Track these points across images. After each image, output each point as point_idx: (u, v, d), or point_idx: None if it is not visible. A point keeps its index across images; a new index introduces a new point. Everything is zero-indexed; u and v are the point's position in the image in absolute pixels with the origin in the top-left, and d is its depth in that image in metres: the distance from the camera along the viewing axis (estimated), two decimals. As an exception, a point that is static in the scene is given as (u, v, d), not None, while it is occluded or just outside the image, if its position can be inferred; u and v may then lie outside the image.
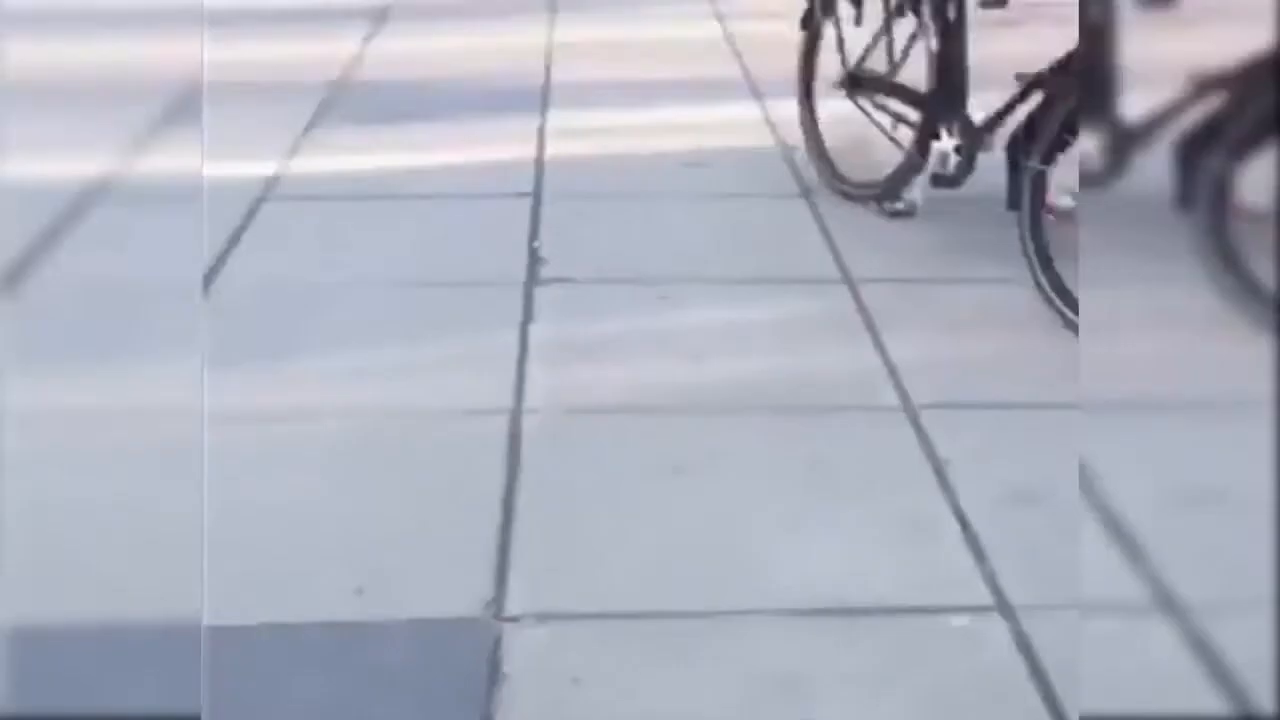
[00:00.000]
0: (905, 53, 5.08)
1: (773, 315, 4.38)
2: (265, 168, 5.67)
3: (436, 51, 7.67)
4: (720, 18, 8.29)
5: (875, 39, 5.18)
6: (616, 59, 7.41)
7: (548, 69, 7.25)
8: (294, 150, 5.95)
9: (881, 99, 5.20)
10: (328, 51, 7.58)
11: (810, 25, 5.46)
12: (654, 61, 7.34)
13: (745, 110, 6.49)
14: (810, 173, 5.50)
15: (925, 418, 3.71)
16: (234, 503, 3.32)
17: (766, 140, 6.03)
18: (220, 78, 6.65)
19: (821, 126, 5.50)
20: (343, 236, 5.03)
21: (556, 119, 6.37)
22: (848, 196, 5.28)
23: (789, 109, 5.68)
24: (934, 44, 4.89)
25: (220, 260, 4.77)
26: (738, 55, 7.46)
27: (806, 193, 5.40)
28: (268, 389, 3.92)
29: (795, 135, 5.65)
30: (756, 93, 6.72)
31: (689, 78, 7.01)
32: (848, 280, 4.62)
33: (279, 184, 5.55)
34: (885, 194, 5.14)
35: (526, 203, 5.33)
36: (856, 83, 5.28)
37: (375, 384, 3.94)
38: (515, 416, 3.74)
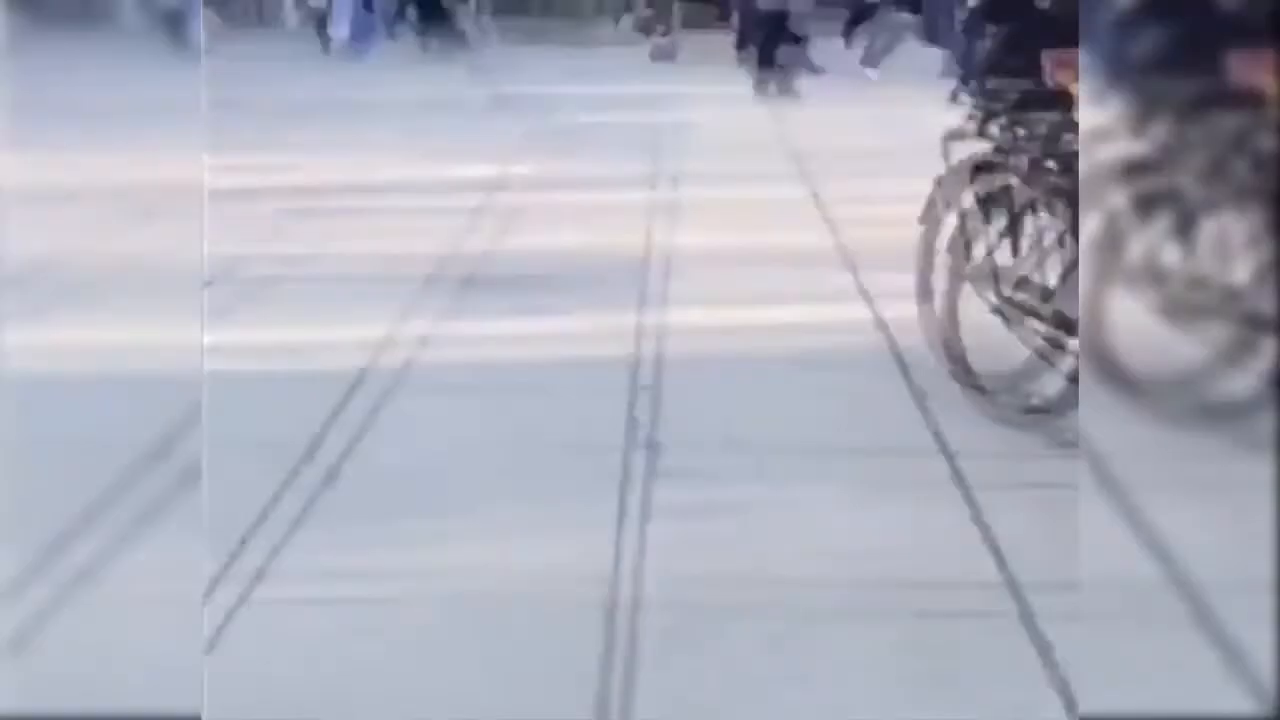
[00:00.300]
0: (1034, 248, 5.07)
1: (884, 511, 4.42)
2: (392, 357, 5.87)
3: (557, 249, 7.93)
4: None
5: (1001, 234, 5.18)
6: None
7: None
8: (418, 339, 6.14)
9: (1012, 293, 5.13)
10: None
11: (930, 217, 5.51)
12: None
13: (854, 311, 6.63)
14: (933, 366, 5.43)
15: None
16: (337, 667, 3.45)
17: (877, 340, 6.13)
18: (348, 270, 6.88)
19: (946, 320, 5.39)
20: (460, 422, 5.17)
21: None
22: (978, 390, 5.17)
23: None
24: (1067, 241, 4.87)
25: (349, 445, 4.93)
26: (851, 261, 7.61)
27: (921, 397, 5.38)
28: (377, 559, 4.06)
29: (903, 332, 5.72)
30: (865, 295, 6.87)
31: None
32: (962, 485, 4.58)
33: (404, 370, 5.73)
34: (1016, 389, 5.05)
35: (647, 395, 5.45)
36: (983, 276, 5.23)
37: (482, 562, 4.03)
38: (630, 604, 3.77)
